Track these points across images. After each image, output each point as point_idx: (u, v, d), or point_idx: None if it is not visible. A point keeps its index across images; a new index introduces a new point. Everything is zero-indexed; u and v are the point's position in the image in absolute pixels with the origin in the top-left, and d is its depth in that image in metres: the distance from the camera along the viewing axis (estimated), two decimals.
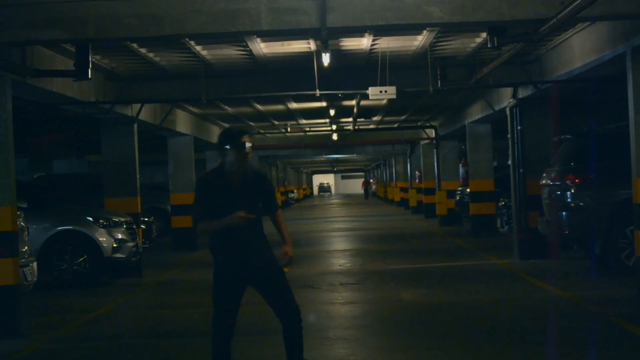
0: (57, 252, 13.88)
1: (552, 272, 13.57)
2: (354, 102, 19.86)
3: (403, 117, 27.38)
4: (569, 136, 14.07)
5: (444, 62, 14.87)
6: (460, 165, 26.82)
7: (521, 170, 15.78)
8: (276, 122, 26.29)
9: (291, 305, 6.28)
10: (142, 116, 16.29)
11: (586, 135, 14.15)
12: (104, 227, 14.05)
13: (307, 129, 30.42)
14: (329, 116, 24.73)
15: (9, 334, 9.66)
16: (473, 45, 13.88)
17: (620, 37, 10.56)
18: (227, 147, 6.18)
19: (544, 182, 13.95)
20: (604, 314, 9.63)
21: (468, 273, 14.20)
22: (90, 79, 11.26)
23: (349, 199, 72.17)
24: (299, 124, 27.69)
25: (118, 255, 14.10)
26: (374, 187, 77.61)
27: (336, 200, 70.66)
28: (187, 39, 11.93)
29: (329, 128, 29.28)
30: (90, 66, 10.96)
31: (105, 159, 16.29)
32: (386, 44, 13.34)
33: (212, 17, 8.95)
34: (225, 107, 20.76)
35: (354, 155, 44.16)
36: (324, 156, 42.72)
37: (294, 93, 16.38)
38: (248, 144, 6.16)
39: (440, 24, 9.51)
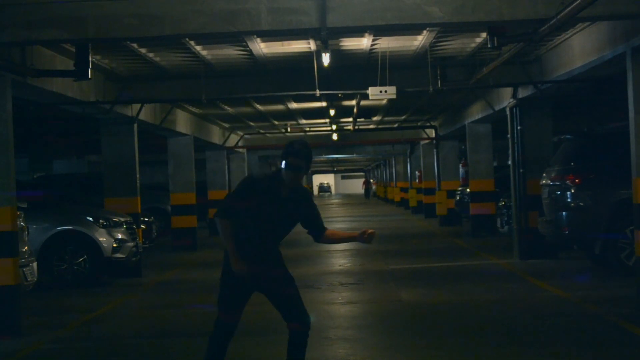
0: (57, 252, 13.88)
1: (552, 272, 13.57)
2: (354, 102, 19.85)
3: (403, 117, 27.38)
4: (569, 136, 14.07)
5: (444, 62, 14.86)
6: (460, 165, 26.82)
7: (521, 170, 15.78)
8: (276, 122, 26.29)
9: (303, 312, 6.19)
10: (142, 116, 16.28)
11: (586, 135, 14.16)
12: (104, 227, 14.05)
13: (307, 129, 30.41)
14: (329, 116, 24.73)
15: (9, 334, 9.65)
16: (473, 45, 13.88)
17: (620, 37, 10.56)
18: (285, 162, 6.04)
19: (544, 182, 13.95)
20: (604, 314, 9.63)
21: (468, 273, 14.20)
22: (90, 79, 11.26)
23: (349, 199, 72.15)
24: (299, 124, 27.69)
25: (118, 255, 14.09)
26: (374, 187, 77.56)
27: (336, 200, 70.65)
28: (187, 39, 11.93)
29: (329, 128, 29.27)
30: (90, 66, 10.96)
31: (105, 159, 16.28)
32: (386, 44, 13.34)
33: (212, 17, 8.94)
34: (225, 107, 20.75)
35: (354, 155, 44.16)
36: (324, 156, 42.71)
37: (294, 93, 16.38)
38: (299, 167, 6.02)
39: (440, 24, 9.51)
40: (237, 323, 6.23)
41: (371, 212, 41.86)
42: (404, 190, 43.15)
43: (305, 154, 6.06)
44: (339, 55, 14.04)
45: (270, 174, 6.15)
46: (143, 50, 13.20)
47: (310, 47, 13.40)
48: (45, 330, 10.06)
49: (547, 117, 16.04)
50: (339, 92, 16.41)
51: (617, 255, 12.60)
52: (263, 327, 9.40)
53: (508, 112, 16.17)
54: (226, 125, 26.58)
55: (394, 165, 47.83)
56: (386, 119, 27.47)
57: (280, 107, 21.75)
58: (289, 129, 28.02)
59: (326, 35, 9.70)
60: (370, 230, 6.12)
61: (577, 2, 7.94)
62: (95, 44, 11.65)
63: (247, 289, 6.18)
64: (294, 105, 21.40)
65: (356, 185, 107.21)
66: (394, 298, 11.68)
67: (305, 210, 6.18)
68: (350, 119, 24.21)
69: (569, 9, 8.20)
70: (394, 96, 13.79)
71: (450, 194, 26.68)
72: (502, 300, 11.15)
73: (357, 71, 15.35)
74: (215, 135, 25.94)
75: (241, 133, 29.39)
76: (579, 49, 12.45)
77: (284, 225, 6.15)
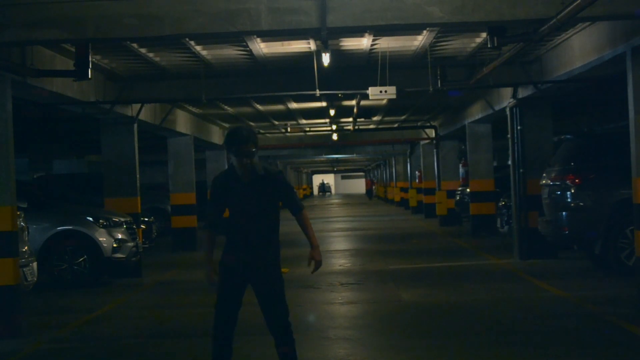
0: (57, 252, 13.88)
1: (552, 272, 13.58)
2: (354, 102, 19.86)
3: (403, 117, 27.38)
4: (569, 136, 14.07)
5: (444, 62, 14.86)
6: (460, 165, 26.82)
7: (521, 170, 15.79)
8: (276, 122, 26.29)
9: (282, 322, 6.29)
10: (142, 116, 16.28)
11: (586, 135, 14.15)
12: (104, 227, 14.05)
13: (307, 129, 30.41)
14: (329, 116, 24.73)
15: (9, 334, 9.66)
16: (473, 45, 13.88)
17: (620, 37, 10.56)
18: (229, 150, 6.24)
19: (544, 182, 13.95)
20: (604, 314, 9.64)
21: (468, 273, 14.20)
22: (90, 79, 11.25)
23: (349, 199, 72.17)
24: (299, 124, 27.69)
25: (118, 255, 14.10)
26: (374, 187, 77.67)
27: (336, 201, 70.65)
28: (187, 39, 11.93)
29: (329, 128, 29.28)
30: (90, 66, 10.96)
31: (105, 159, 16.29)
32: (386, 44, 13.34)
33: (212, 17, 8.95)
34: (225, 107, 20.75)
35: (354, 155, 44.14)
36: (324, 156, 42.69)
37: (294, 93, 16.38)
38: (241, 153, 6.16)
39: (440, 24, 9.51)
40: (236, 318, 6.27)
41: (371, 212, 41.85)
42: (404, 190, 43.15)
43: (231, 141, 6.18)
44: (339, 55, 14.04)
45: (228, 168, 6.38)
46: (143, 50, 13.20)
47: (310, 47, 13.40)
48: (45, 330, 10.06)
49: (547, 117, 16.04)
50: (339, 92, 16.41)
51: (617, 255, 12.61)
52: (263, 327, 9.38)
53: (508, 112, 16.18)
54: (226, 125, 26.57)
55: (394, 165, 47.82)
56: (386, 119, 27.47)
57: (280, 107, 21.76)
58: (289, 129, 28.02)
59: (326, 35, 9.69)
60: (314, 263, 6.28)
61: (577, 2, 7.94)
62: (95, 44, 11.65)
63: (240, 281, 6.27)
64: (294, 105, 21.40)
65: (356, 185, 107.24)
66: (394, 298, 11.68)
67: (276, 191, 6.28)
68: (350, 119, 24.22)
69: (569, 9, 8.20)
70: (394, 96, 13.80)
71: (450, 194, 26.68)
72: (502, 300, 11.15)
73: (357, 71, 15.35)
74: (215, 135, 25.94)
75: None
76: (579, 49, 12.45)
77: (259, 208, 6.24)
